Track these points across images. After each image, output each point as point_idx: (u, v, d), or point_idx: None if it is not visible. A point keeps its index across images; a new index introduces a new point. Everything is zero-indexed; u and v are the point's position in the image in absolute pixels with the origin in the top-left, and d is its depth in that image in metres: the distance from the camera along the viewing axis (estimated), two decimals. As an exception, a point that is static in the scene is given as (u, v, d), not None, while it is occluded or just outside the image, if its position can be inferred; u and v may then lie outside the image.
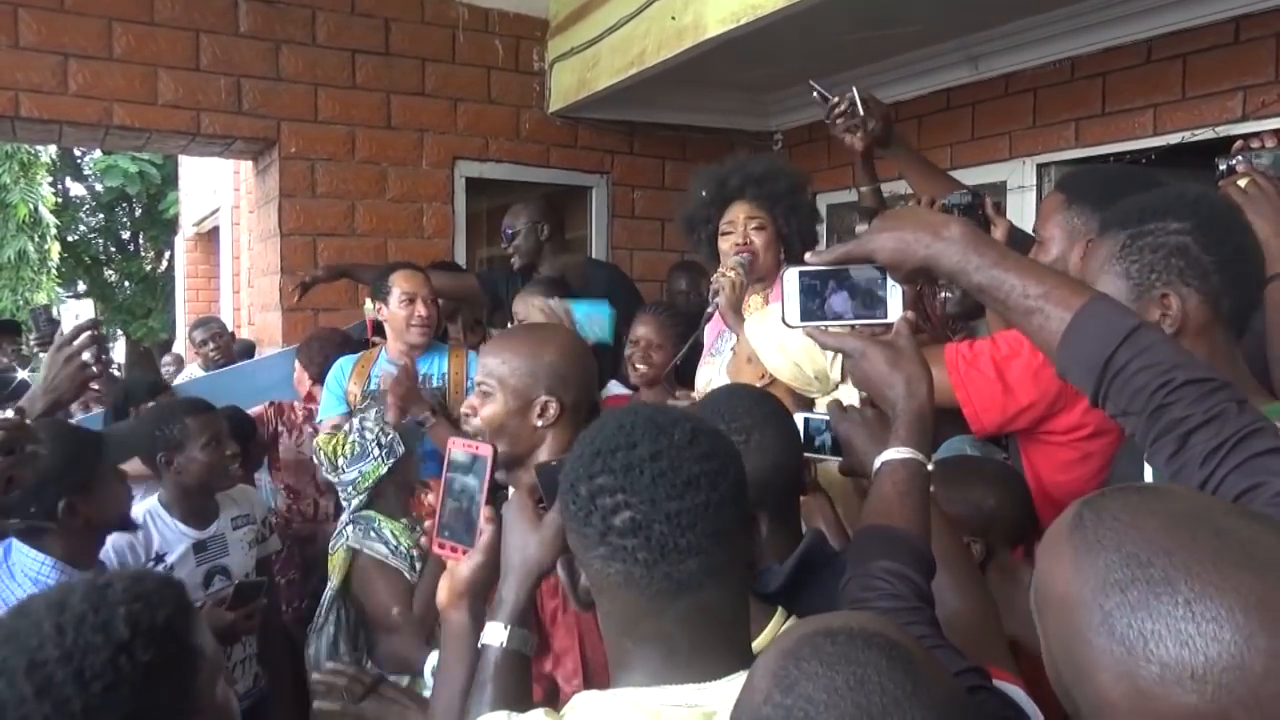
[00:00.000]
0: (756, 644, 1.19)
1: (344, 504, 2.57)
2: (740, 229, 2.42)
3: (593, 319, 2.67)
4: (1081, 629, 0.64)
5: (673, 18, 3.39)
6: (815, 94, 2.38)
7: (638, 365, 2.72)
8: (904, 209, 1.20)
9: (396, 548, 2.45)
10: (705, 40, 3.22)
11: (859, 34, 3.53)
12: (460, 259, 4.34)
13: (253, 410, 3.43)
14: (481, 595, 1.28)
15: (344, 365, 3.19)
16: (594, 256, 4.50)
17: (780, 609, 1.22)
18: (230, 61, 3.81)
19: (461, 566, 1.25)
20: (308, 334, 3.76)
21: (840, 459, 1.35)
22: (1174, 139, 3.14)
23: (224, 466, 2.55)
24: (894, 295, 1.19)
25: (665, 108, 4.48)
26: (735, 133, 4.80)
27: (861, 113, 2.27)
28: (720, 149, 4.80)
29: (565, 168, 4.54)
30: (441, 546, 1.27)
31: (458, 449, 1.30)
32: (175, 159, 9.77)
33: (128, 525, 2.26)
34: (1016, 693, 0.96)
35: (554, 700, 1.36)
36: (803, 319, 1.21)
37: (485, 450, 1.28)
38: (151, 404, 3.02)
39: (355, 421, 2.61)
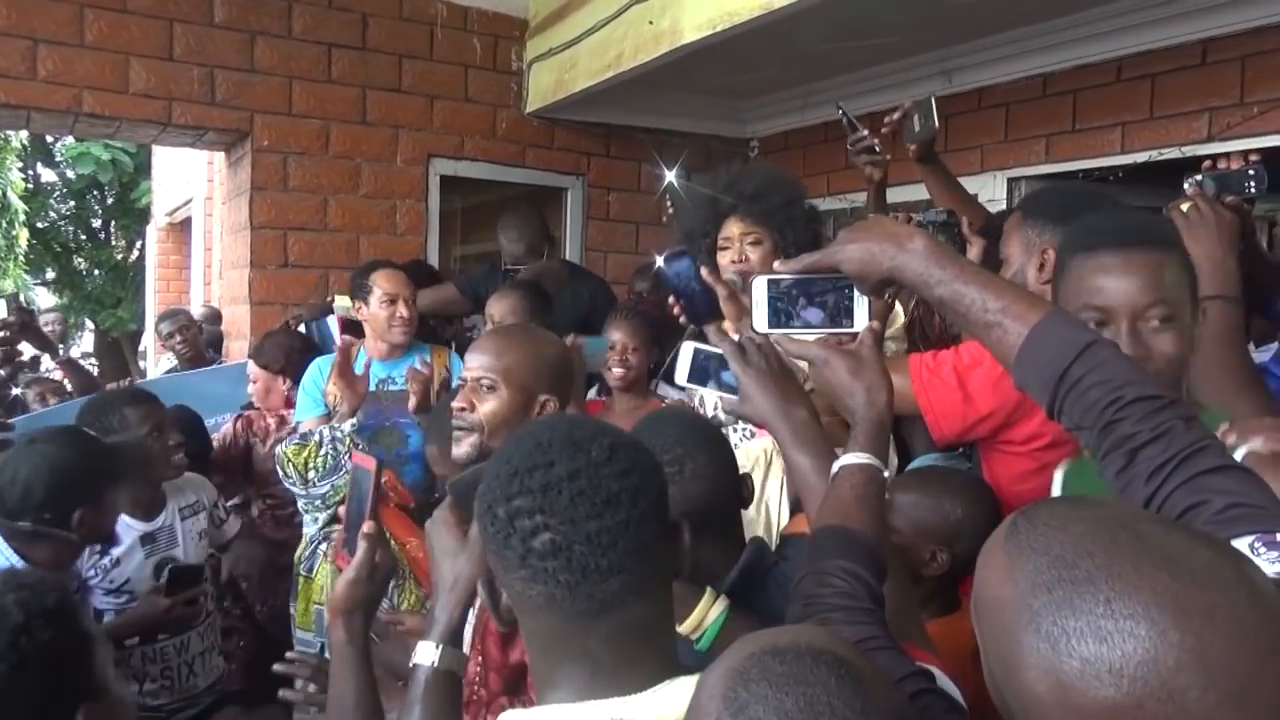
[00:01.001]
0: (686, 626, 1.21)
1: (308, 519, 2.53)
2: (736, 246, 2.40)
3: (597, 355, 2.68)
4: (1011, 628, 0.67)
5: (650, 22, 3.40)
6: (843, 119, 2.40)
7: (614, 368, 2.73)
8: (871, 220, 1.22)
9: None
10: (682, 46, 3.23)
11: (835, 44, 3.56)
12: (433, 257, 4.32)
13: (221, 432, 3.41)
14: (361, 611, 1.29)
15: (321, 366, 3.14)
16: (572, 261, 4.48)
17: (709, 589, 1.22)
18: (204, 52, 3.77)
19: (338, 582, 1.25)
20: (259, 337, 3.72)
21: (724, 394, 1.33)
22: (1141, 157, 3.18)
23: (167, 456, 2.52)
24: (860, 305, 1.21)
25: (642, 111, 4.49)
26: (712, 138, 4.82)
27: (917, 129, 2.31)
28: (697, 154, 4.83)
29: (541, 168, 4.53)
30: (341, 560, 1.28)
31: (355, 461, 1.30)
32: (149, 147, 9.66)
33: (113, 538, 2.26)
34: (943, 679, 0.97)
35: (523, 680, 1.37)
36: (770, 326, 1.23)
37: (370, 464, 1.28)
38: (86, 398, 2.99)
39: (325, 432, 2.59)
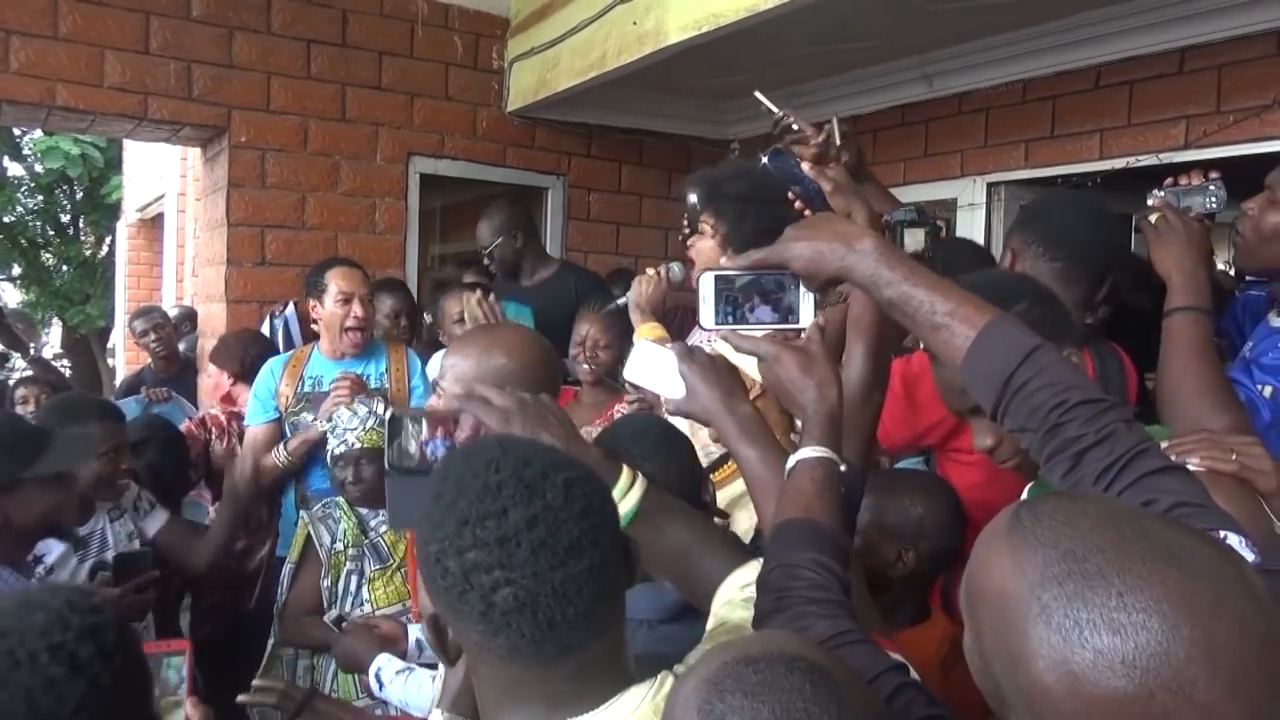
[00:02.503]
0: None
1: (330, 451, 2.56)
2: (686, 233, 2.42)
3: (519, 318, 2.69)
4: (1018, 620, 0.68)
5: (634, 22, 3.39)
6: (763, 106, 2.38)
7: (583, 364, 2.72)
8: (819, 218, 1.23)
9: (331, 546, 2.45)
10: (666, 46, 3.23)
11: (818, 47, 3.57)
12: (412, 256, 4.30)
13: (182, 427, 3.40)
14: None
15: (273, 367, 3.07)
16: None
17: (625, 468, 1.20)
18: (181, 46, 3.72)
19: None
20: (221, 339, 3.72)
21: (669, 393, 1.33)
22: (1119, 164, 3.22)
23: (113, 480, 2.52)
24: (806, 302, 1.22)
25: (624, 111, 4.48)
26: (693, 139, 4.82)
27: (839, 144, 2.28)
28: (678, 155, 4.84)
29: (521, 168, 4.51)
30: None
31: None
32: (119, 142, 9.52)
33: (62, 533, 2.22)
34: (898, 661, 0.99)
35: None
36: (718, 322, 1.24)
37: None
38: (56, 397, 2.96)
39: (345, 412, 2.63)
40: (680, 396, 1.28)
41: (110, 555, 2.47)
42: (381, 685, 2.04)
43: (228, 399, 3.54)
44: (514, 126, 4.45)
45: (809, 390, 1.18)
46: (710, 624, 1.15)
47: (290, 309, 3.87)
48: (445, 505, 0.88)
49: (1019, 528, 0.72)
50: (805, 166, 1.88)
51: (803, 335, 1.23)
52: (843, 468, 1.16)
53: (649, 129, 4.69)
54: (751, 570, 1.15)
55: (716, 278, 1.24)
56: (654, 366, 1.32)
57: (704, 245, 2.33)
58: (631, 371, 1.35)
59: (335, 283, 2.96)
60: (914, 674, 0.94)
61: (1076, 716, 0.65)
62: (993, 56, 3.46)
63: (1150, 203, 1.78)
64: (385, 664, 2.06)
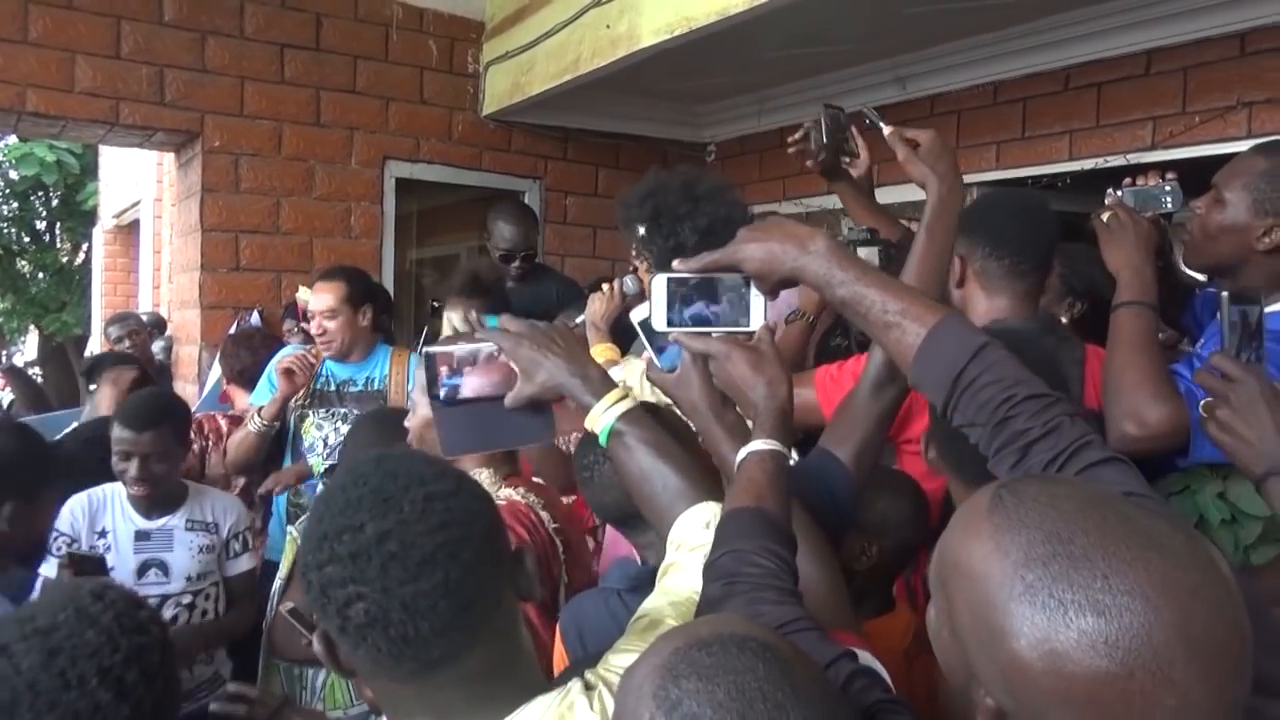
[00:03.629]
0: (589, 419, 1.24)
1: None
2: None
3: None
4: (1000, 599, 0.69)
5: (608, 26, 3.40)
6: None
7: None
8: (770, 220, 1.25)
9: None
10: (639, 50, 3.24)
11: (791, 50, 3.59)
12: (389, 260, 4.28)
13: None
14: None
15: (283, 355, 3.12)
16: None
17: (617, 389, 1.26)
18: (153, 50, 3.70)
19: None
20: (225, 336, 3.69)
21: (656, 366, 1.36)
22: (1088, 164, 3.25)
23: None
24: (757, 303, 1.24)
25: (600, 115, 4.49)
26: (669, 142, 4.84)
27: (824, 140, 2.32)
28: (653, 158, 4.84)
29: (498, 171, 4.51)
30: None
31: None
32: (95, 148, 9.45)
33: (40, 548, 2.23)
34: (868, 657, 1.00)
35: None
36: (669, 324, 1.26)
37: None
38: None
39: (321, 414, 2.64)
40: (666, 374, 1.32)
41: (170, 557, 2.49)
42: None
43: (225, 399, 3.52)
44: (490, 130, 4.45)
45: (760, 387, 1.20)
46: (667, 558, 1.16)
47: (256, 316, 3.86)
48: (314, 520, 0.90)
49: (1001, 508, 0.73)
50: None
51: (755, 336, 1.25)
52: (791, 460, 1.18)
53: (625, 132, 4.70)
54: (700, 512, 1.17)
55: (669, 280, 1.25)
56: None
57: (646, 266, 2.35)
58: (658, 318, 1.36)
59: (312, 299, 3.07)
60: (864, 661, 0.95)
61: (1055, 693, 0.66)
62: (964, 59, 3.50)
63: (1106, 200, 1.83)
64: None
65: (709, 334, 1.25)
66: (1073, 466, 0.96)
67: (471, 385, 1.29)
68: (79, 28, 3.58)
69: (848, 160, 2.50)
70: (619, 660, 0.98)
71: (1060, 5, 3.05)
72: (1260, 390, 1.16)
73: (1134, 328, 1.62)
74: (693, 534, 1.15)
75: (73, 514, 2.45)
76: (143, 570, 2.46)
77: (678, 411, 1.38)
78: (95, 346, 9.41)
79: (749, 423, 1.23)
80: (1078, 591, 0.66)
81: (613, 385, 1.26)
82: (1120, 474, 0.96)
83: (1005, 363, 1.03)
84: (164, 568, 2.49)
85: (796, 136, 2.43)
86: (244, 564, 2.65)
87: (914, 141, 1.52)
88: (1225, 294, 1.28)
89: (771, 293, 1.22)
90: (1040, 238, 1.91)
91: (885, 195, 3.96)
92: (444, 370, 1.29)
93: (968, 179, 3.67)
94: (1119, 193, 1.83)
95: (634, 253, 2.41)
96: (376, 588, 0.85)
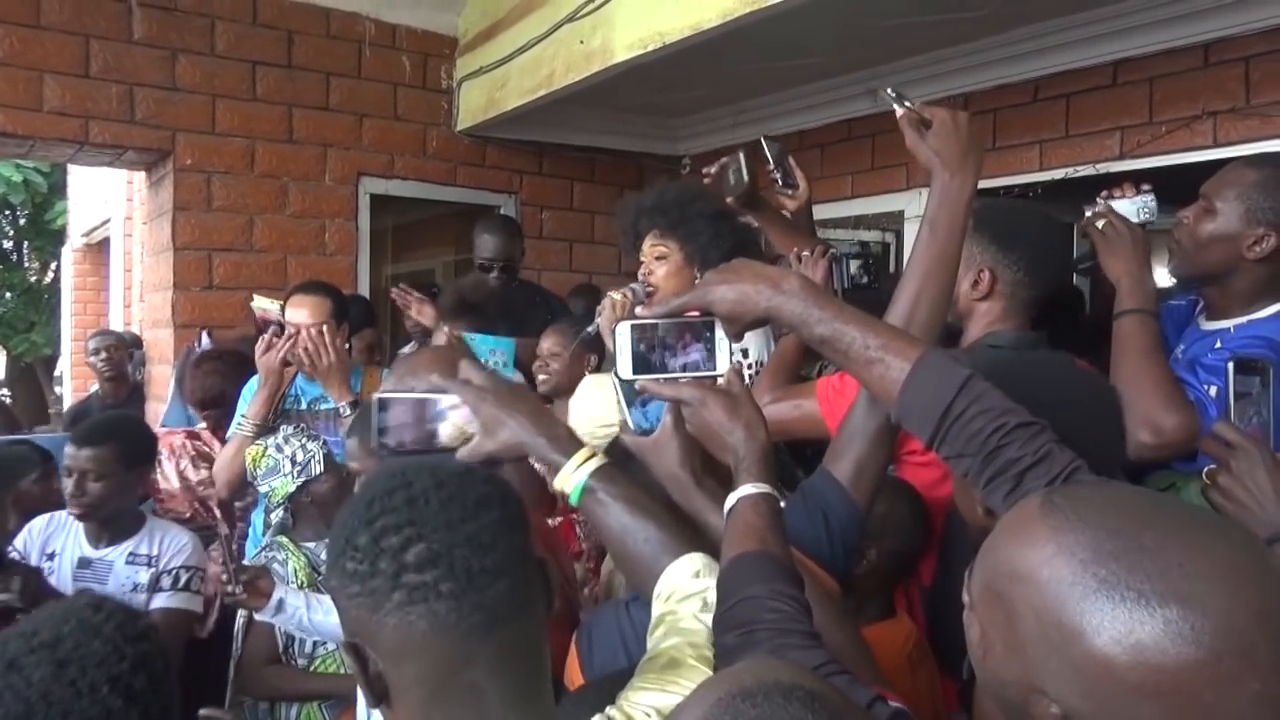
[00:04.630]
0: (558, 480, 1.21)
1: (269, 516, 2.53)
2: (646, 261, 2.43)
3: (495, 352, 2.65)
4: (1072, 599, 0.69)
5: (581, 41, 3.41)
6: (766, 150, 2.44)
7: (539, 375, 2.72)
8: (738, 262, 1.23)
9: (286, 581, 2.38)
10: (613, 65, 3.25)
11: (764, 64, 3.61)
12: (364, 277, 4.26)
13: None
14: None
15: (253, 388, 3.02)
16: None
17: (584, 448, 1.23)
18: (122, 69, 3.67)
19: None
20: (190, 359, 3.61)
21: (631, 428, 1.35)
22: (1058, 174, 3.29)
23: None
24: (723, 346, 1.21)
25: (574, 129, 4.49)
26: (644, 156, 4.85)
27: (732, 182, 2.34)
28: (629, 171, 4.87)
29: (473, 187, 4.51)
30: None
31: None
32: (64, 167, 9.35)
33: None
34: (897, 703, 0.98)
35: None
36: (635, 371, 1.22)
37: None
38: None
39: (277, 436, 2.57)
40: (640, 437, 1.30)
41: (105, 590, 2.39)
42: (283, 608, 2.04)
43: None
44: (464, 145, 4.45)
45: (738, 431, 1.19)
46: (656, 610, 1.14)
47: (205, 338, 3.81)
48: (354, 501, 0.91)
49: (1057, 511, 0.73)
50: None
51: (720, 380, 1.23)
52: (782, 503, 1.16)
53: (600, 146, 4.70)
54: (689, 563, 1.14)
55: (633, 327, 1.22)
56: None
57: (665, 269, 2.38)
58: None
59: (287, 314, 2.97)
60: (895, 704, 0.94)
61: (1143, 687, 0.65)
62: (935, 71, 3.53)
63: (1096, 209, 1.85)
64: (286, 593, 2.07)
65: (676, 380, 1.22)
66: None
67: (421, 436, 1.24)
68: (46, 46, 3.54)
69: (789, 192, 2.51)
70: (640, 698, 0.96)
71: (1029, 18, 3.09)
72: (1261, 458, 1.17)
73: (1141, 335, 1.63)
74: (683, 584, 1.13)
75: (29, 532, 2.43)
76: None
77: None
78: (65, 366, 9.29)
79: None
80: (1155, 581, 0.66)
81: (581, 444, 1.22)
82: None
83: (991, 394, 1.05)
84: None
85: (711, 170, 2.45)
86: (166, 600, 2.40)
87: (927, 121, 1.38)
88: (1231, 364, 1.28)
89: (739, 335, 1.20)
90: (1066, 274, 1.90)
91: (861, 206, 4.01)
92: (396, 416, 1.24)
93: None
94: (1102, 202, 1.85)
95: (645, 255, 2.41)
96: (438, 524, 0.85)
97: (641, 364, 1.22)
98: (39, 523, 2.42)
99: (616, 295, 2.40)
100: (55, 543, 2.44)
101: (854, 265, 1.94)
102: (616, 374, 1.24)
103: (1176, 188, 2.05)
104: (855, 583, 1.72)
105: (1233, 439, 1.19)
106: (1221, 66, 2.87)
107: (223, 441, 3.18)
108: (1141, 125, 3.06)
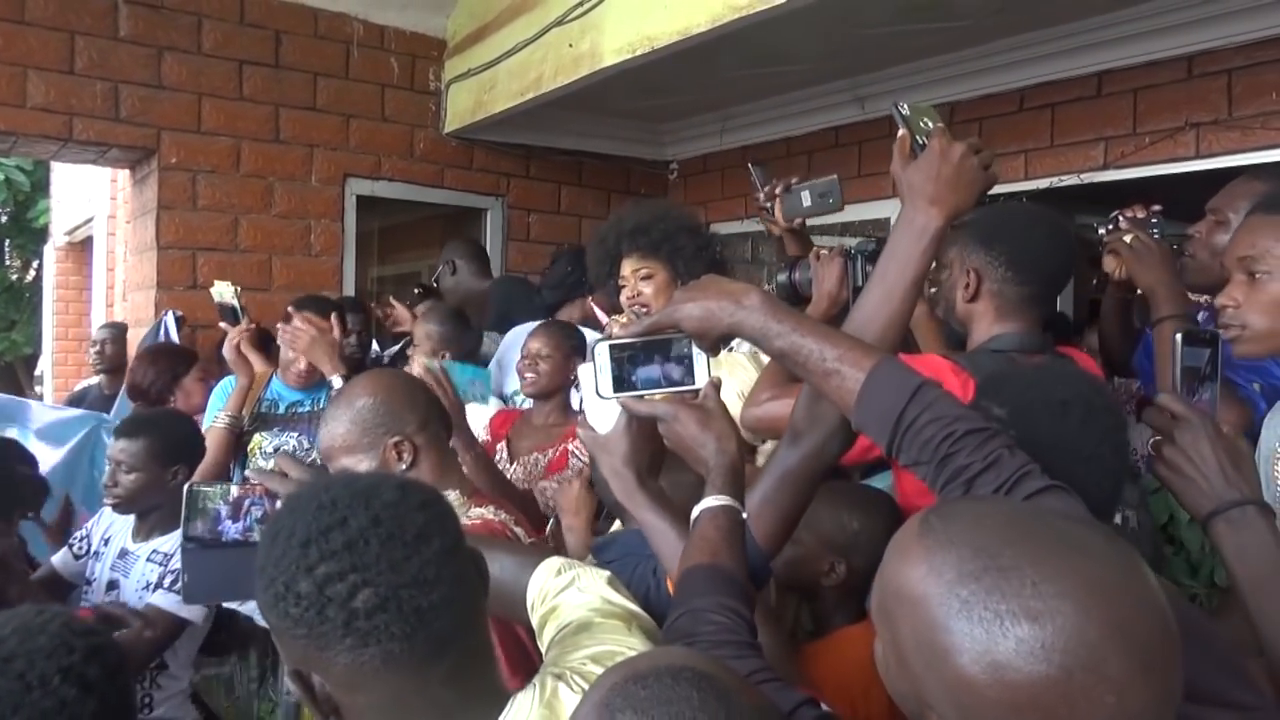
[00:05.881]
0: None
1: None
2: (631, 283, 2.46)
3: (475, 384, 2.65)
4: (939, 619, 0.71)
5: (570, 45, 3.41)
6: (751, 178, 2.44)
7: (525, 375, 2.72)
8: (706, 279, 1.25)
9: None
10: (601, 69, 3.25)
11: (753, 70, 3.62)
12: (350, 278, 4.24)
13: None
14: None
15: (230, 386, 3.04)
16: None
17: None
18: (108, 66, 3.65)
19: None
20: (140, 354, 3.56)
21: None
22: (1043, 184, 3.31)
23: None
24: (699, 362, 1.24)
25: (562, 133, 4.49)
26: (631, 160, 4.85)
27: (807, 204, 2.33)
28: (616, 176, 4.87)
29: (460, 189, 4.50)
30: None
31: None
32: (47, 165, 9.28)
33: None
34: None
35: None
36: (615, 390, 1.25)
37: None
38: None
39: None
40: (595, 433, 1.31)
41: (124, 581, 2.39)
42: None
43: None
44: (452, 148, 4.44)
45: (709, 444, 1.21)
46: (536, 620, 1.18)
47: (169, 317, 3.75)
48: (284, 537, 0.87)
49: (930, 531, 0.75)
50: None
51: (700, 394, 1.25)
52: (744, 515, 1.19)
53: (588, 150, 4.71)
54: (548, 566, 1.20)
55: (610, 346, 1.24)
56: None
57: (652, 289, 2.42)
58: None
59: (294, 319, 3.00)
60: (825, 706, 0.96)
61: (1001, 704, 0.67)
62: (921, 80, 3.55)
63: (1122, 224, 1.92)
64: None
65: (653, 396, 1.25)
66: (1015, 496, 0.98)
67: (236, 529, 1.26)
68: (30, 42, 3.51)
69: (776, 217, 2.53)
70: (575, 655, 1.01)
71: (1014, 28, 3.11)
72: (1206, 431, 1.18)
73: None
74: (550, 583, 1.17)
75: (98, 518, 2.54)
76: (110, 588, 2.40)
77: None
78: (45, 366, 9.21)
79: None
80: (1010, 601, 0.68)
81: None
82: (1061, 500, 0.98)
83: (943, 401, 1.06)
84: (116, 586, 2.40)
85: (777, 189, 2.41)
86: (159, 598, 2.28)
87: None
88: (1179, 335, 1.28)
89: (713, 350, 1.22)
90: (1065, 268, 1.84)
91: (847, 213, 4.02)
92: (215, 508, 1.26)
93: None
94: (1121, 219, 1.93)
95: (627, 278, 2.45)
96: (380, 569, 0.84)
97: (620, 382, 1.25)
98: (109, 511, 2.46)
99: (621, 319, 2.43)
100: (113, 530, 2.48)
101: (871, 266, 1.94)
102: (598, 392, 1.26)
103: (1159, 198, 2.08)
104: (823, 595, 1.73)
105: (1178, 410, 1.20)
106: (1204, 79, 2.90)
107: None
108: (1125, 136, 3.09)
